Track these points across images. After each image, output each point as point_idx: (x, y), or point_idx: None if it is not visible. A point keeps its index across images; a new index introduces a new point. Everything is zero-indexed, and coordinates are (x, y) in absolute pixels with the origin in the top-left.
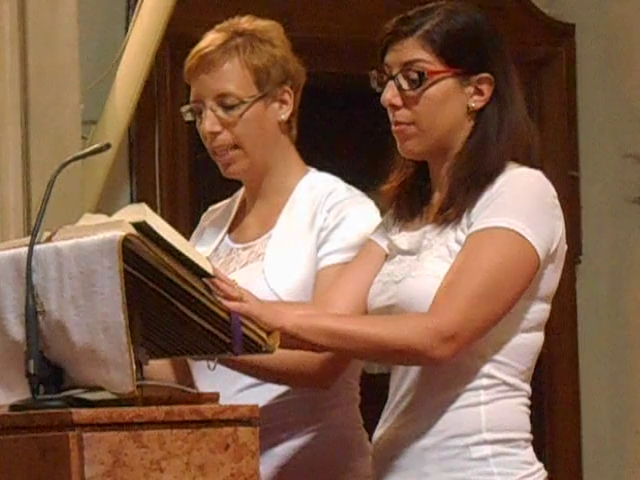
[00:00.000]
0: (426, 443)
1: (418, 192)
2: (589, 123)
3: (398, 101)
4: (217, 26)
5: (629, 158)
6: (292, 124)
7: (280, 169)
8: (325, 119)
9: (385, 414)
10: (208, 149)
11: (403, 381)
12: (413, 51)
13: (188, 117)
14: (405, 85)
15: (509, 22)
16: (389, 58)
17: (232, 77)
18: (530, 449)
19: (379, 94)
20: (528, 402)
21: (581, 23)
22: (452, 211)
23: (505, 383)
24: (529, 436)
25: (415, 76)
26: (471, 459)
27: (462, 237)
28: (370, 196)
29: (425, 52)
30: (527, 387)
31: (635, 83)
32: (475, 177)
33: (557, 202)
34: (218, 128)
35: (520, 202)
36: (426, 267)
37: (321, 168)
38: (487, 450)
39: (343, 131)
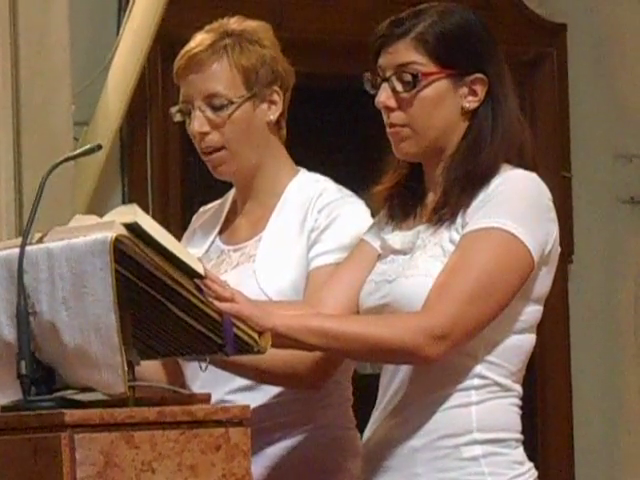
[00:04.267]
0: (417, 443)
1: (412, 193)
2: (581, 123)
3: (392, 103)
4: (206, 27)
5: (621, 158)
6: (281, 124)
7: (270, 170)
8: (317, 119)
9: (375, 414)
10: (197, 149)
11: (392, 381)
12: (406, 53)
13: (177, 118)
14: (399, 87)
15: (501, 22)
16: (382, 61)
17: (221, 77)
18: (521, 449)
19: (371, 95)
20: (519, 402)
21: (572, 23)
22: (447, 211)
23: (496, 383)
24: (520, 436)
25: (409, 78)
26: (462, 459)
27: (456, 237)
28: (361, 196)
29: (418, 54)
30: (518, 387)
31: (626, 83)
32: (470, 177)
33: (552, 204)
34: (207, 128)
35: (515, 203)
36: (419, 266)
37: (312, 168)
38: (478, 450)
39: (334, 131)
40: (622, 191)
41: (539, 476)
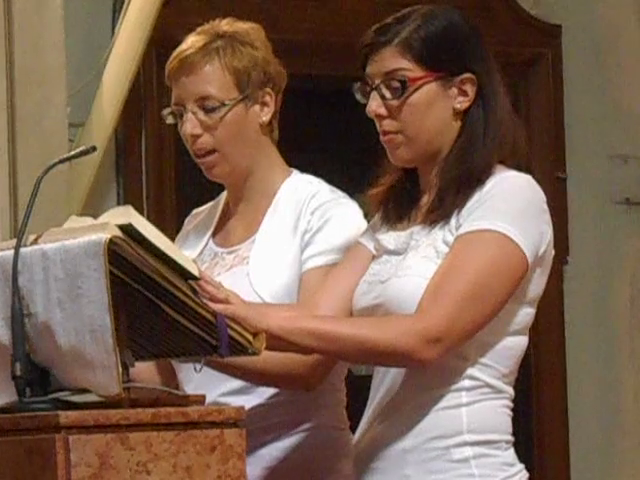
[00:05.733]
0: (407, 445)
1: (406, 195)
2: (576, 124)
3: (383, 111)
4: (198, 28)
5: (616, 159)
6: (273, 126)
7: (262, 171)
8: (310, 121)
9: (366, 415)
10: (190, 151)
11: (383, 382)
12: (392, 60)
13: (169, 120)
14: (388, 94)
15: (495, 23)
16: (370, 69)
17: (213, 80)
18: (511, 451)
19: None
20: (510, 404)
21: (567, 24)
22: (441, 211)
23: (488, 385)
24: (510, 438)
25: (397, 85)
26: (452, 461)
27: (450, 238)
28: (355, 198)
29: (404, 60)
30: (510, 389)
31: (621, 84)
32: (464, 177)
33: (546, 207)
34: (199, 131)
35: (510, 205)
36: (412, 267)
37: (305, 170)
38: (468, 452)
39: (328, 133)
40: (617, 192)
41: (535, 478)
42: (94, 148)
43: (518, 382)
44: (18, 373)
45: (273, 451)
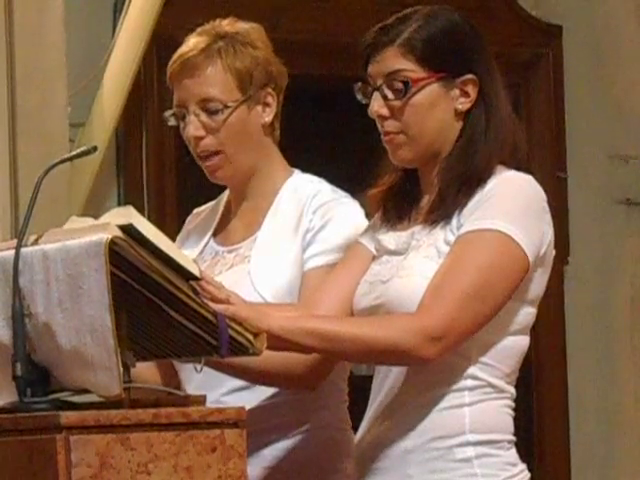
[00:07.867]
0: (409, 445)
1: (407, 196)
2: (576, 124)
3: (385, 112)
4: (198, 29)
5: (616, 159)
6: (275, 126)
7: (264, 171)
8: (312, 121)
9: (367, 415)
10: (193, 154)
11: (385, 382)
12: (395, 61)
13: (171, 122)
14: (390, 95)
15: (496, 24)
16: (372, 69)
17: (215, 81)
18: (513, 450)
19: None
20: (512, 404)
21: (568, 25)
22: (442, 211)
23: (490, 385)
24: (512, 438)
25: (399, 86)
26: (455, 460)
27: (451, 238)
28: (356, 198)
29: (407, 60)
30: (512, 389)
31: (622, 84)
32: (465, 177)
33: (547, 206)
34: (202, 133)
35: (511, 205)
36: (413, 267)
37: (308, 170)
38: (470, 451)
39: (330, 133)
40: (618, 192)
41: (535, 477)
42: (95, 148)
43: (518, 382)
44: (19, 373)
45: (274, 451)
